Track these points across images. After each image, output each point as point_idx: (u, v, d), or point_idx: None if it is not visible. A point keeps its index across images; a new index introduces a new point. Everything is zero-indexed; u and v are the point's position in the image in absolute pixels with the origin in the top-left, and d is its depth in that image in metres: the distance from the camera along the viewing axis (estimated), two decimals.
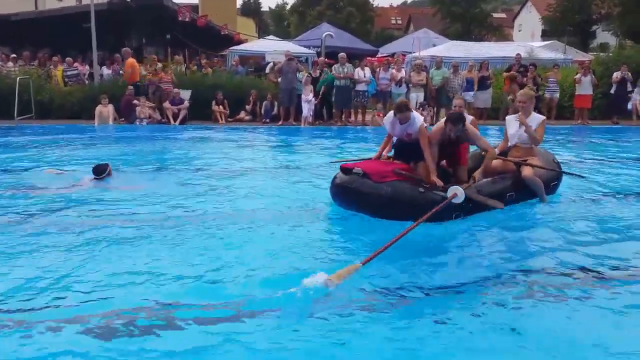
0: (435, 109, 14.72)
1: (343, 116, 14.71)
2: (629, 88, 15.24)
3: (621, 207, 6.23)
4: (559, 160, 6.87)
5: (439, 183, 5.52)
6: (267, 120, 14.79)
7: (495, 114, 14.74)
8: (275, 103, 14.92)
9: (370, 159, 6.23)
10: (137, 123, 13.95)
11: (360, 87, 14.39)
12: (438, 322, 3.40)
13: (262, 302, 3.58)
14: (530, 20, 56.41)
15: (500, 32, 49.78)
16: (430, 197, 5.31)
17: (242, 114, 15.17)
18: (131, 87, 14.25)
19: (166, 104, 14.29)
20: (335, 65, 14.69)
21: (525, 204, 6.02)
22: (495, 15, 54.84)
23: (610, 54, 18.66)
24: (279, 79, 14.63)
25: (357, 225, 5.37)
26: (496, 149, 6.42)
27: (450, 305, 3.63)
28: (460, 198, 5.26)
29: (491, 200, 5.43)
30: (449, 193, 5.30)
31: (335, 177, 5.80)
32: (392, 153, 6.31)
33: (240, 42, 24.04)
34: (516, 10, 63.11)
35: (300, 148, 10.86)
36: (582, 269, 4.30)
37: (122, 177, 7.41)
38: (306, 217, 5.65)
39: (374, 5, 52.29)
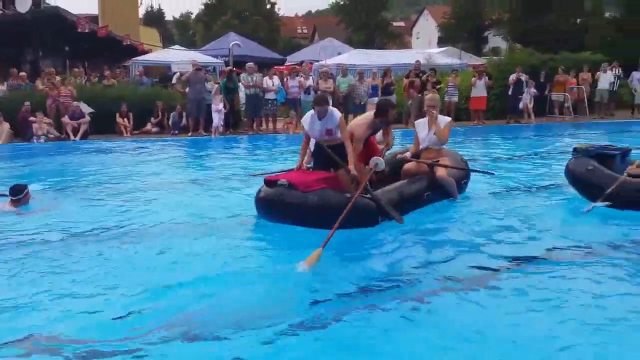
0: (342, 115, 15.05)
1: (254, 125, 14.73)
2: (524, 89, 16.39)
3: (523, 200, 6.76)
4: (467, 159, 7.30)
5: (361, 179, 5.61)
6: (176, 131, 14.47)
7: (398, 118, 15.31)
8: (184, 114, 14.64)
9: (292, 170, 6.18)
10: (35, 140, 13.16)
11: (270, 95, 14.47)
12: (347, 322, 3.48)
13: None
14: (427, 28, 59.22)
15: (401, 40, 51.84)
16: (357, 201, 5.38)
17: (149, 126, 14.75)
18: (27, 103, 13.43)
19: (65, 119, 13.60)
20: (243, 75, 14.69)
21: (441, 203, 6.32)
22: (394, 23, 57.04)
23: (502, 58, 20.01)
24: (187, 90, 14.39)
25: (280, 232, 5.38)
26: (408, 152, 6.74)
27: (366, 302, 3.73)
28: (380, 166, 5.90)
29: (395, 212, 5.52)
30: (371, 164, 5.86)
31: (259, 191, 5.71)
32: (312, 164, 6.27)
33: (144, 52, 23.36)
34: (414, 18, 65.98)
35: (213, 158, 10.74)
36: (496, 259, 4.60)
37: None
38: (228, 229, 5.56)
39: (280, 15, 52.67)
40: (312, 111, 5.89)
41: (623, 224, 5.53)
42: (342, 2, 49.41)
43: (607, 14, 39.75)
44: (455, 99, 16.05)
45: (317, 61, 21.68)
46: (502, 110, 16.68)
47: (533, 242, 5.07)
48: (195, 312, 3.61)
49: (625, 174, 5.91)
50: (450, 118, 6.91)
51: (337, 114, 5.81)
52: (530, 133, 14.43)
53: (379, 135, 6.48)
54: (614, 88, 17.44)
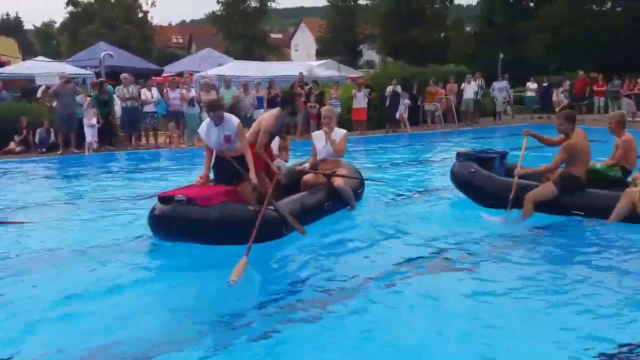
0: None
1: (133, 140, 13.96)
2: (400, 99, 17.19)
3: (412, 204, 7.13)
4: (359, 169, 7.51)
5: (265, 189, 5.54)
6: (44, 150, 13.28)
7: (287, 129, 15.41)
8: (52, 130, 13.49)
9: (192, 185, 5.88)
10: None
11: (149, 108, 13.81)
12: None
13: None
14: (305, 41, 60.54)
15: (280, 52, 52.39)
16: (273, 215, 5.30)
17: (12, 145, 13.39)
18: None
19: None
20: (118, 87, 13.88)
21: (340, 212, 6.45)
22: (272, 35, 57.57)
23: (377, 70, 20.92)
24: (54, 104, 13.27)
25: (177, 251, 5.13)
26: (307, 164, 6.82)
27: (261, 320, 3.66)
28: (284, 169, 6.14)
29: (297, 224, 5.50)
30: (275, 167, 5.99)
31: (153, 209, 5.35)
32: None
33: (2, 65, 21.31)
34: (291, 31, 67.08)
35: (88, 178, 9.90)
36: (392, 263, 4.77)
37: None
38: (118, 254, 5.18)
39: (153, 24, 50.79)
40: (207, 119, 5.68)
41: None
42: (218, 13, 48.87)
43: (467, 29, 43.39)
44: (338, 110, 16.41)
45: (197, 72, 21.18)
46: (381, 121, 17.39)
47: (424, 245, 5.32)
48: (100, 347, 3.31)
49: (515, 177, 6.31)
50: (345, 130, 7.05)
51: (234, 120, 5.65)
52: (408, 141, 15.17)
53: (275, 145, 6.46)
54: (478, 97, 18.95)
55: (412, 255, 4.99)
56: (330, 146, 6.60)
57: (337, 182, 6.45)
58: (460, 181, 6.96)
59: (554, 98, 19.42)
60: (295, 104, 6.23)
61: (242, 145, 5.59)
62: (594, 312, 3.75)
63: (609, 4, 34.73)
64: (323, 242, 5.46)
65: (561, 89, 19.36)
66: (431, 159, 11.85)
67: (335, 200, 6.39)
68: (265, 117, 6.24)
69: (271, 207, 5.35)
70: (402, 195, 7.71)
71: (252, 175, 5.51)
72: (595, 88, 19.96)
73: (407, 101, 17.15)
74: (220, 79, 16.37)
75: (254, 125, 6.17)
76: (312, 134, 7.17)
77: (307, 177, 6.55)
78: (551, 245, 5.41)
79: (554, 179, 6.09)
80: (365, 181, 7.22)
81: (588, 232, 5.67)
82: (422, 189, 8.17)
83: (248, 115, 14.11)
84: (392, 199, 7.45)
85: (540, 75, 21.90)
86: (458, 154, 7.23)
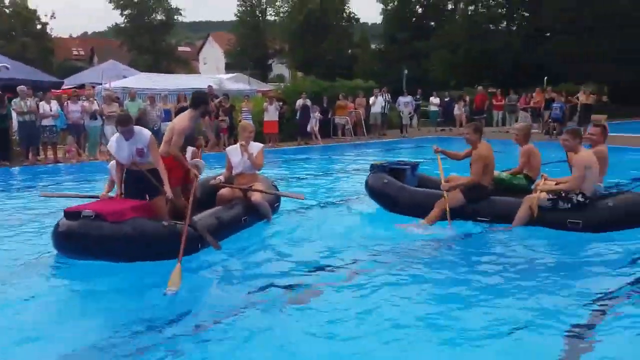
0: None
1: (30, 154, 13.06)
2: (310, 113, 17.41)
3: (327, 215, 7.21)
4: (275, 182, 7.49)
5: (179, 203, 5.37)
6: None
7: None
8: None
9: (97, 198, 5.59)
10: None
11: (47, 121, 13.01)
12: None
13: None
14: (213, 54, 59.85)
15: (188, 65, 51.44)
16: (176, 229, 5.09)
17: None
18: None
19: None
20: (15, 100, 12.96)
21: (256, 225, 6.35)
22: (180, 48, 56.43)
23: (288, 84, 21.09)
24: None
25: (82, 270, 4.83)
26: (221, 177, 6.64)
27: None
28: (202, 169, 6.08)
29: (212, 238, 5.36)
30: (193, 168, 5.83)
31: (58, 225, 5.00)
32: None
33: None
34: (199, 44, 66.13)
35: None
36: (307, 274, 4.79)
37: None
38: (21, 277, 4.77)
39: (52, 36, 48.06)
40: (116, 134, 5.43)
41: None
42: (122, 25, 47.22)
43: (372, 46, 44.95)
44: (250, 122, 16.35)
45: (100, 84, 20.25)
46: (293, 133, 17.52)
47: (335, 255, 5.34)
48: None
49: (445, 193, 6.47)
50: (262, 144, 6.98)
51: (146, 132, 5.43)
52: (320, 153, 15.38)
53: (189, 155, 6.28)
54: (385, 111, 19.63)
55: (326, 264, 5.04)
56: (247, 160, 6.53)
57: (255, 196, 6.37)
58: (375, 191, 7.17)
59: (456, 112, 20.56)
60: (207, 104, 6.06)
61: (154, 158, 5.38)
62: (494, 316, 3.86)
63: (504, 22, 37.44)
64: (239, 255, 5.38)
65: (462, 104, 20.52)
66: (344, 170, 12.06)
67: (252, 214, 6.31)
68: (178, 119, 6.06)
69: (182, 223, 5.19)
70: (318, 206, 7.76)
71: (167, 188, 5.32)
72: (494, 102, 21.31)
73: (318, 114, 17.43)
74: (125, 92, 15.76)
75: (167, 133, 5.94)
76: (227, 148, 7.05)
77: (223, 191, 6.41)
78: (457, 251, 5.58)
79: (461, 188, 6.40)
80: (282, 196, 7.12)
81: (491, 237, 5.95)
82: (336, 200, 8.26)
83: (155, 128, 13.64)
84: (307, 209, 7.46)
85: (442, 90, 23.13)
86: (372, 166, 7.45)
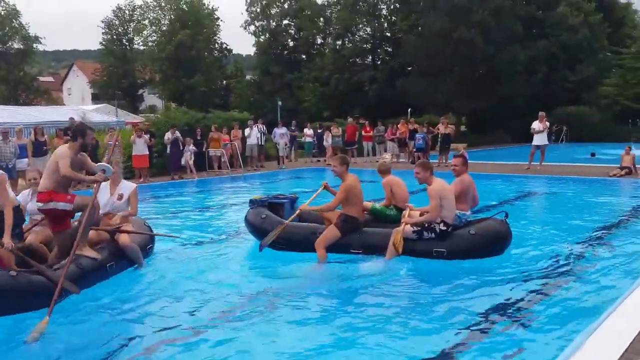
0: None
1: None
2: (182, 147, 16.89)
3: (207, 253, 6.90)
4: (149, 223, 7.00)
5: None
6: None
7: None
8: None
9: None
10: None
11: None
12: None
13: None
14: (78, 84, 56.60)
15: (49, 96, 48.05)
16: (25, 280, 4.60)
17: None
18: None
19: None
20: None
21: (125, 273, 5.87)
22: (42, 78, 52.62)
23: (159, 116, 20.41)
24: None
25: None
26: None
27: None
28: (108, 172, 5.53)
29: (68, 283, 4.90)
30: (98, 170, 5.44)
31: None
32: None
33: None
34: (63, 74, 62.26)
35: None
36: (184, 321, 4.51)
37: None
38: None
39: None
40: None
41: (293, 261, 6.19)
42: None
43: (248, 77, 45.29)
44: (118, 158, 15.50)
45: None
46: (165, 167, 16.90)
47: (217, 298, 5.15)
48: None
49: (285, 223, 6.60)
50: (134, 184, 6.57)
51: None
52: (195, 188, 14.95)
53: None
54: (261, 143, 19.67)
55: (200, 308, 4.84)
56: (115, 199, 6.14)
57: (122, 239, 5.92)
58: (253, 227, 7.10)
59: (325, 143, 21.23)
60: (85, 136, 5.52)
61: (3, 202, 4.82)
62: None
63: (370, 57, 39.63)
64: (111, 304, 5.00)
65: (330, 135, 21.19)
66: (222, 203, 11.81)
67: (120, 259, 5.85)
68: (58, 151, 5.45)
69: (31, 270, 4.75)
70: (196, 244, 7.43)
71: (6, 239, 4.70)
72: (363, 133, 22.27)
73: (192, 147, 16.99)
74: None
75: (49, 165, 5.40)
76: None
77: (89, 234, 5.88)
78: (331, 286, 5.60)
79: (335, 222, 6.51)
80: (156, 236, 6.75)
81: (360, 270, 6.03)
82: (216, 236, 7.99)
83: (10, 166, 12.46)
84: (185, 249, 7.11)
85: (315, 121, 23.80)
86: (251, 201, 7.41)
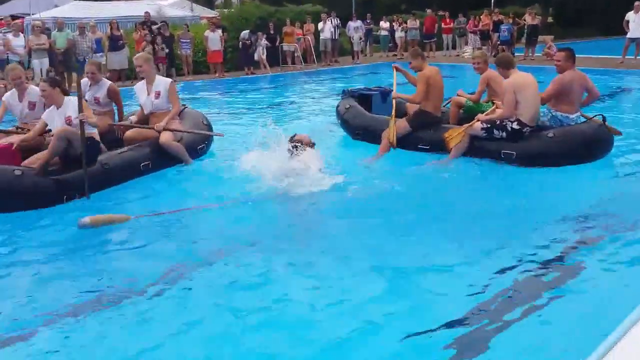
0: (65, 74, 13.33)
1: None
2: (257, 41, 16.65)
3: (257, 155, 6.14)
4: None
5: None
6: None
7: (134, 74, 14.29)
8: None
9: None
10: None
11: None
12: None
13: None
14: None
15: None
16: (31, 180, 4.72)
17: None
18: None
19: None
20: None
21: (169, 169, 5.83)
22: None
23: (233, 10, 20.06)
24: None
25: None
26: (135, 116, 6.19)
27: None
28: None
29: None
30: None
31: None
32: None
33: None
34: None
35: None
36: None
37: None
38: None
39: None
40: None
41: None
42: None
43: None
44: (190, 51, 15.54)
45: (30, 14, 18.85)
46: (239, 62, 16.84)
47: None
48: None
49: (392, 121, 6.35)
50: (169, 79, 6.37)
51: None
52: (270, 83, 14.86)
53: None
54: (335, 37, 19.00)
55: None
56: (153, 98, 5.99)
57: (162, 137, 5.82)
58: (341, 117, 7.21)
59: (396, 36, 20.32)
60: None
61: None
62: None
63: None
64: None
65: (402, 27, 20.16)
66: (295, 101, 11.62)
67: (158, 157, 5.76)
68: None
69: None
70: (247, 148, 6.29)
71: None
72: (443, 25, 20.92)
73: (264, 42, 16.71)
74: (55, 21, 14.67)
75: None
76: (135, 86, 6.41)
77: (131, 132, 5.95)
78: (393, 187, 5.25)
79: (407, 116, 6.29)
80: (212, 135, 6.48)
81: (429, 170, 5.74)
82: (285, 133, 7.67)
83: (86, 59, 12.82)
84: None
85: (391, 14, 22.52)
86: (343, 91, 7.62)
